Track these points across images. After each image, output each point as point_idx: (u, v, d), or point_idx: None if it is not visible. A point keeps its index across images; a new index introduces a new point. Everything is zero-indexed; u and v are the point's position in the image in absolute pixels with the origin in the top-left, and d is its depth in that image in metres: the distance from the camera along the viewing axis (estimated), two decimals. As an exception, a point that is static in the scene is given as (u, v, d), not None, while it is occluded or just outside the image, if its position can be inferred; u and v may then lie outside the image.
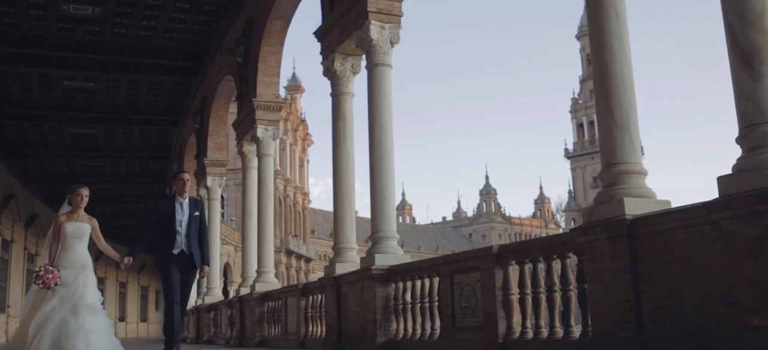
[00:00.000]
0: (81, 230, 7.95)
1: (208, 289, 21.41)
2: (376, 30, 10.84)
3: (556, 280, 7.21)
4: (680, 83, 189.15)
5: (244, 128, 17.30)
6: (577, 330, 6.99)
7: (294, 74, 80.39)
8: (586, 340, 6.65)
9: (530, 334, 7.50)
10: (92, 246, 8.08)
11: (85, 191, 8.11)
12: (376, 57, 10.91)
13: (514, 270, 7.77)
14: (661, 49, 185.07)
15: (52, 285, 7.46)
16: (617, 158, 6.61)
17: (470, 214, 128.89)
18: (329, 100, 12.23)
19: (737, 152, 5.53)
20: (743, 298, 5.13)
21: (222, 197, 26.49)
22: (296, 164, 74.61)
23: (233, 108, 20.24)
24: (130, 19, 18.34)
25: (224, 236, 45.12)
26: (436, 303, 9.10)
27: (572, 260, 7.08)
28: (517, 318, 7.70)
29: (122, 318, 47.80)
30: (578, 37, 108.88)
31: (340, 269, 11.27)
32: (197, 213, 8.75)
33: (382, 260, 10.18)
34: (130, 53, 20.07)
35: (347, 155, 11.88)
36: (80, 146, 28.34)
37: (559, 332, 7.20)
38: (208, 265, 8.98)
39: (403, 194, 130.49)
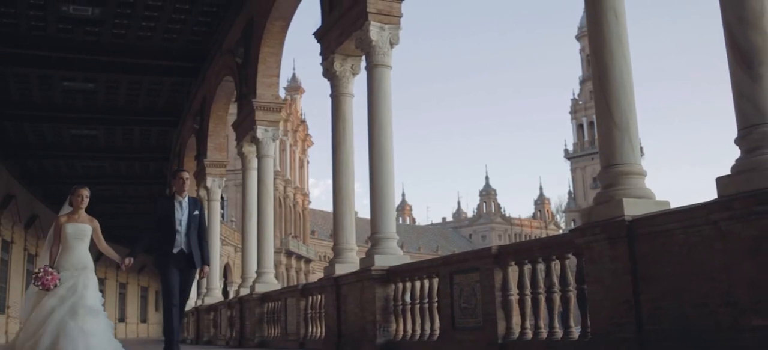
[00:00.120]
0: (82, 231, 7.91)
1: (208, 290, 21.42)
2: (375, 31, 10.85)
3: (556, 281, 7.21)
4: (680, 84, 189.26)
5: (244, 128, 17.31)
6: (576, 331, 6.99)
7: (294, 75, 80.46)
8: (586, 341, 6.66)
9: (529, 335, 7.51)
10: (92, 247, 8.03)
11: (86, 192, 8.07)
12: (375, 58, 10.92)
13: (513, 271, 7.77)
14: (660, 50, 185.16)
15: (52, 287, 7.42)
16: (616, 159, 6.62)
17: (470, 215, 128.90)
18: (329, 101, 12.24)
19: (736, 152, 5.54)
20: (742, 299, 5.14)
21: (222, 197, 26.51)
22: (296, 164, 74.62)
23: (233, 109, 20.25)
24: (130, 20, 18.34)
25: (224, 236, 45.12)
26: (436, 304, 9.10)
27: (571, 261, 7.08)
28: (516, 319, 7.70)
29: (122, 319, 47.79)
30: (578, 37, 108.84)
31: (340, 269, 11.27)
32: (197, 212, 8.72)
33: (381, 261, 10.18)
34: (129, 54, 20.07)
35: (347, 156, 11.89)
36: (80, 146, 28.34)
37: (559, 333, 7.20)
38: (208, 264, 8.94)
39: (403, 194, 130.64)
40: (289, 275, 67.13)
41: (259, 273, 16.14)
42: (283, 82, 77.07)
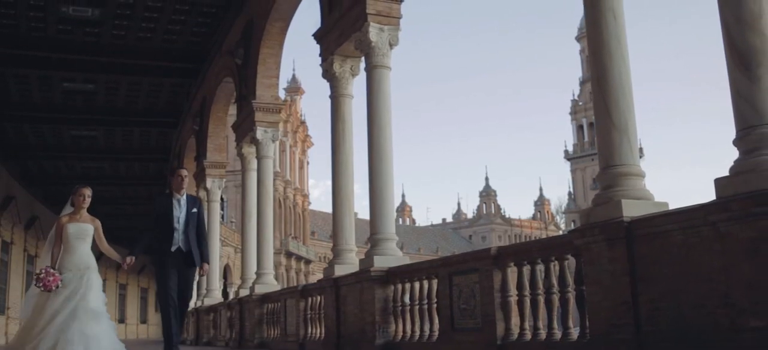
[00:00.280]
0: (84, 231, 7.85)
1: (208, 291, 21.43)
2: (375, 32, 10.85)
3: (555, 282, 7.22)
4: (680, 85, 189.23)
5: (244, 129, 17.32)
6: (575, 332, 7.00)
7: (294, 76, 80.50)
8: (584, 342, 6.66)
9: (528, 336, 7.51)
10: (93, 247, 7.97)
11: (88, 191, 8.01)
12: (375, 59, 10.92)
13: (512, 272, 7.78)
14: (660, 51, 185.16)
15: (53, 288, 7.35)
16: (615, 160, 6.62)
17: (470, 216, 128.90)
18: (329, 101, 12.25)
19: (735, 153, 5.55)
20: (740, 300, 5.14)
21: (221, 198, 26.49)
22: (296, 165, 74.63)
23: (233, 110, 20.26)
24: (130, 21, 18.35)
25: (224, 237, 45.14)
26: (435, 305, 9.10)
27: (571, 262, 7.09)
28: (515, 320, 7.70)
29: (122, 320, 47.78)
30: (578, 38, 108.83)
31: (339, 270, 11.28)
32: (195, 210, 8.67)
33: (380, 262, 10.18)
34: (129, 55, 20.08)
35: (346, 157, 11.89)
36: (80, 147, 28.34)
37: (557, 334, 7.21)
38: (208, 262, 8.85)
39: (403, 195, 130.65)
40: (289, 276, 67.13)
41: (258, 274, 16.15)
42: (283, 83, 77.17)
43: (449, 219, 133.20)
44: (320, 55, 12.53)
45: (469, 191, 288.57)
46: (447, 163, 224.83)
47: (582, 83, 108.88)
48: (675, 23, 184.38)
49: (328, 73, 12.17)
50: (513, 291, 7.72)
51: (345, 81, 12.10)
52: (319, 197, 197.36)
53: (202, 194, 21.39)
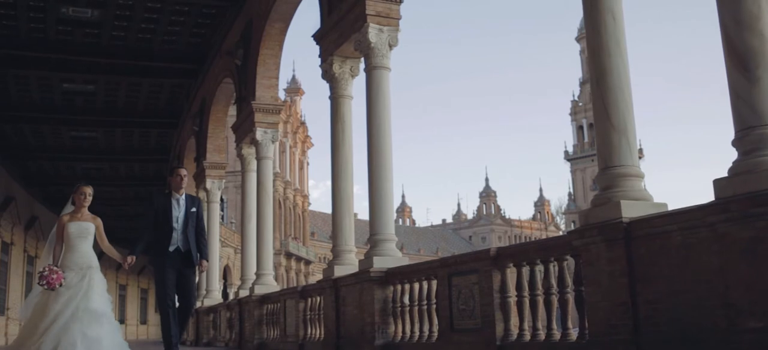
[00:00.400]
0: (85, 230, 7.78)
1: (208, 291, 21.44)
2: (374, 33, 10.86)
3: (554, 283, 7.23)
4: (679, 86, 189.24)
5: (243, 130, 17.33)
6: (574, 333, 7.01)
7: (294, 77, 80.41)
8: (583, 343, 6.67)
9: (528, 336, 7.52)
10: (94, 246, 7.88)
11: (89, 190, 7.94)
12: (374, 60, 10.93)
13: (511, 273, 7.79)
14: (660, 52, 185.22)
15: (57, 286, 7.28)
16: (614, 161, 6.63)
17: (470, 216, 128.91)
18: (328, 102, 12.25)
19: (733, 154, 5.55)
20: (739, 300, 5.15)
21: (221, 199, 26.52)
22: (296, 166, 74.61)
23: (232, 111, 20.28)
24: (130, 22, 18.36)
25: (223, 238, 45.13)
26: (434, 306, 9.11)
27: (570, 262, 7.10)
28: (514, 321, 7.71)
29: (122, 321, 47.77)
30: (578, 39, 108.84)
31: (339, 271, 11.28)
32: (194, 209, 8.57)
33: (380, 263, 10.19)
34: (129, 56, 20.10)
35: (346, 158, 11.89)
36: (80, 148, 28.35)
37: (556, 334, 7.22)
38: (207, 259, 8.72)
39: (403, 196, 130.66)
40: (289, 276, 67.11)
41: (258, 275, 16.15)
42: (283, 83, 77.19)
43: (449, 220, 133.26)
44: (320, 56, 12.54)
45: (469, 191, 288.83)
46: (447, 164, 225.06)
47: (582, 84, 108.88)
48: (674, 24, 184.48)
49: (328, 74, 12.18)
50: (512, 292, 7.73)
51: (344, 82, 12.11)
52: (319, 197, 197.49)
53: (202, 194, 21.39)
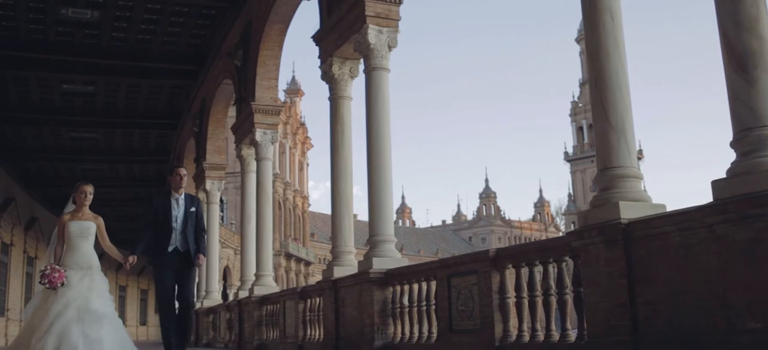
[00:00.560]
0: (86, 229, 7.73)
1: (207, 292, 21.44)
2: (373, 34, 10.86)
3: (552, 284, 7.23)
4: (679, 87, 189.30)
5: (243, 131, 17.34)
6: (573, 334, 7.01)
7: (294, 78, 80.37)
8: (582, 344, 6.68)
9: (527, 337, 7.52)
10: (95, 245, 7.82)
11: (89, 189, 7.90)
12: (374, 61, 10.93)
13: (510, 274, 7.79)
14: (660, 52, 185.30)
15: (59, 285, 7.24)
16: (613, 162, 6.64)
17: (470, 217, 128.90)
18: (328, 103, 12.26)
19: (732, 156, 5.56)
20: (737, 301, 5.16)
21: (221, 200, 26.52)
22: (296, 167, 74.61)
23: (232, 112, 20.29)
24: (129, 23, 18.37)
25: (223, 239, 45.14)
26: (433, 307, 9.12)
27: (569, 263, 7.10)
28: (513, 322, 7.72)
29: (121, 321, 47.75)
30: (578, 40, 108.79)
31: (338, 272, 11.28)
32: (193, 209, 8.53)
33: (379, 264, 10.19)
34: (129, 57, 20.11)
35: (345, 159, 11.90)
36: (79, 149, 28.35)
37: (555, 335, 7.23)
38: (204, 254, 8.60)
39: (403, 197, 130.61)
40: (289, 277, 67.11)
41: (257, 276, 16.16)
42: (283, 84, 77.16)
43: (449, 221, 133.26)
44: (319, 57, 12.54)
45: (468, 192, 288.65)
46: (447, 165, 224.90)
47: (582, 85, 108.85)
48: (674, 25, 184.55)
49: (327, 75, 12.18)
50: (511, 293, 7.74)
51: (344, 83, 12.11)
52: (319, 198, 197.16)
53: (202, 195, 21.39)
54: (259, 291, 15.76)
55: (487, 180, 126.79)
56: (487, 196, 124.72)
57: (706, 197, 5.50)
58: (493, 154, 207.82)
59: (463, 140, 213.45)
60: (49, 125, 25.13)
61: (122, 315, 48.17)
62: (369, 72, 11.01)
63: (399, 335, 9.88)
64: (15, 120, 24.36)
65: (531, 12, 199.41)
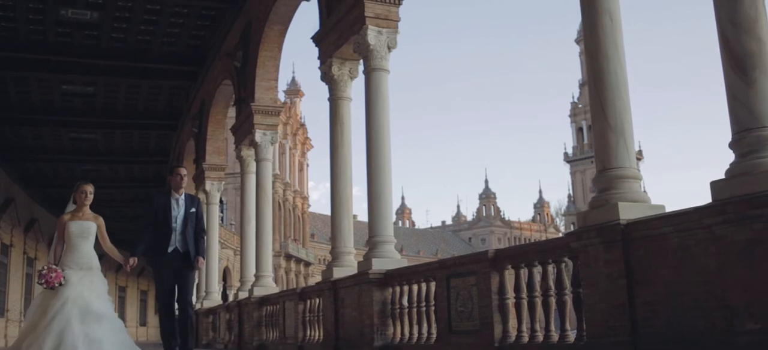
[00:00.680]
0: (86, 229, 7.69)
1: (207, 293, 21.45)
2: (373, 35, 10.87)
3: (552, 284, 7.24)
4: (679, 88, 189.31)
5: (243, 132, 17.34)
6: (572, 335, 7.02)
7: (293, 78, 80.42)
8: (581, 344, 6.68)
9: (526, 338, 7.53)
10: (96, 246, 7.79)
11: (90, 188, 7.86)
12: (373, 62, 10.94)
13: (509, 275, 7.80)
14: (658, 53, 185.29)
15: (56, 284, 7.20)
16: (612, 163, 6.64)
17: (470, 218, 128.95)
18: (328, 104, 12.26)
19: (731, 156, 5.56)
20: (736, 302, 5.16)
21: (220, 201, 26.52)
22: (296, 168, 74.63)
23: (232, 113, 20.28)
24: (129, 24, 18.38)
25: (223, 240, 45.13)
26: (433, 307, 9.12)
27: (568, 264, 7.11)
28: (513, 322, 7.72)
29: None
30: (577, 41, 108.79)
31: (338, 273, 11.29)
32: (193, 210, 8.48)
33: (379, 265, 10.20)
34: (128, 58, 20.12)
35: (345, 160, 11.90)
36: (79, 150, 28.37)
37: (555, 336, 7.24)
38: (203, 256, 8.54)
39: (403, 198, 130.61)
40: (289, 278, 67.12)
41: (257, 277, 16.16)
42: (283, 85, 77.16)
43: (449, 222, 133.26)
44: (319, 57, 12.54)
45: (468, 193, 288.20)
46: (446, 165, 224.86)
47: (581, 86, 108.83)
48: (673, 25, 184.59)
49: (327, 76, 12.19)
50: (510, 294, 7.74)
51: (343, 84, 12.12)
52: (319, 199, 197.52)
53: (201, 196, 21.38)
54: (258, 292, 15.77)
55: (486, 181, 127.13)
56: (487, 197, 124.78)
57: (705, 197, 5.51)
58: (493, 154, 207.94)
59: (462, 141, 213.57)
60: (49, 125, 25.14)
61: (122, 315, 48.18)
62: (368, 73, 11.02)
63: (398, 336, 9.88)
64: (15, 121, 24.36)
65: (531, 12, 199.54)
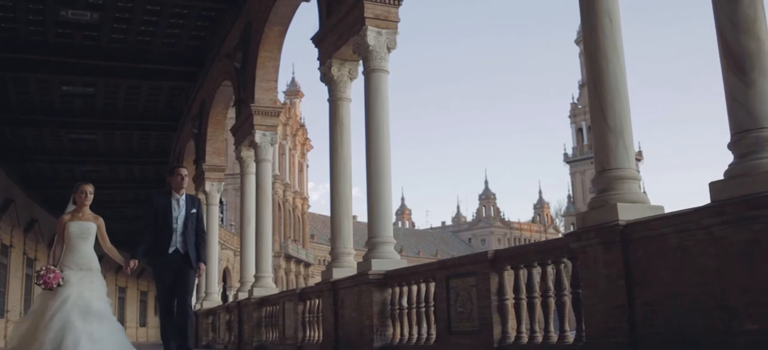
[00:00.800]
0: (86, 230, 7.67)
1: (207, 294, 21.45)
2: (372, 36, 10.87)
3: (551, 285, 7.24)
4: (679, 88, 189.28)
5: (242, 133, 17.34)
6: (571, 335, 7.02)
7: (293, 79, 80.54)
8: (580, 345, 6.68)
9: (525, 339, 7.53)
10: (95, 247, 7.78)
11: (90, 188, 7.84)
12: (373, 63, 10.94)
13: (509, 275, 7.80)
14: (658, 53, 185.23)
15: (54, 285, 7.19)
16: (611, 164, 6.64)
17: (470, 219, 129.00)
18: (328, 105, 12.26)
19: (730, 157, 5.57)
20: (735, 303, 5.16)
21: (220, 201, 26.52)
22: (295, 168, 74.65)
23: (232, 113, 20.29)
24: (129, 25, 18.38)
25: (223, 241, 45.13)
26: (432, 308, 9.12)
27: (568, 265, 7.11)
28: (512, 323, 7.72)
29: (121, 323, 47.71)
30: (577, 41, 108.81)
31: (337, 274, 11.29)
32: (194, 211, 8.43)
33: (378, 265, 10.20)
34: (128, 58, 20.12)
35: (344, 161, 11.90)
36: (79, 151, 28.37)
37: (554, 337, 7.24)
38: (204, 263, 8.54)
39: (403, 198, 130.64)
40: (289, 279, 67.12)
41: (257, 277, 16.16)
42: (283, 86, 77.23)
43: (448, 222, 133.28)
44: (318, 58, 12.54)
45: (468, 194, 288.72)
46: (446, 166, 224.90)
47: (581, 86, 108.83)
48: (673, 26, 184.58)
49: (327, 77, 12.19)
50: (510, 294, 7.74)
51: (343, 84, 12.12)
52: (319, 200, 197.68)
53: (201, 197, 21.38)
54: (258, 293, 15.77)
55: (486, 181, 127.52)
56: (487, 197, 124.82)
57: (705, 198, 5.52)
58: (493, 155, 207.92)
59: (462, 141, 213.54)
60: (49, 126, 25.14)
61: (122, 316, 48.24)
62: (368, 74, 11.02)
63: (398, 336, 9.88)
64: (15, 121, 24.35)
65: (531, 12, 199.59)
